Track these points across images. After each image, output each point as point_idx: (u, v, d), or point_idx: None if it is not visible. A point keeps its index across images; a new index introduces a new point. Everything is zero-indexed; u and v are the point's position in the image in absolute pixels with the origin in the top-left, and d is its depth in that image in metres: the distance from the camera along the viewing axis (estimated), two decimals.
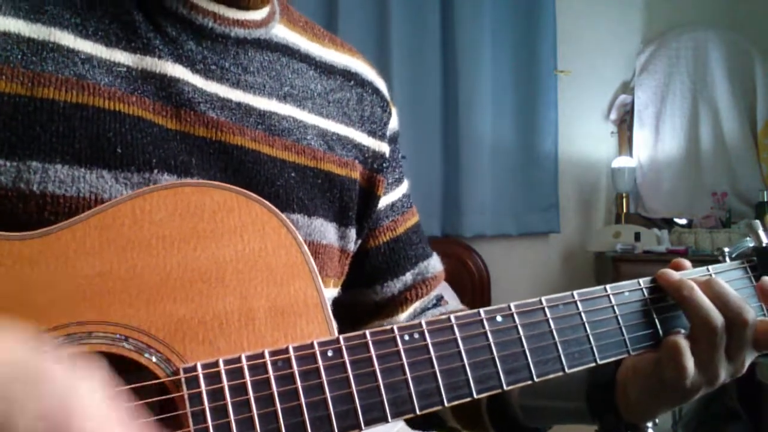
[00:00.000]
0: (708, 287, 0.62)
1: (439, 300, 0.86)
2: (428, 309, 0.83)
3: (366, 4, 2.99)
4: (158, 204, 0.51)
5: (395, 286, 0.78)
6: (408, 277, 0.79)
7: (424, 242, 0.83)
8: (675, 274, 0.64)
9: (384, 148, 0.77)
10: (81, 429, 0.36)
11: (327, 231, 0.69)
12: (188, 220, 0.52)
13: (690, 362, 0.59)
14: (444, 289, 0.88)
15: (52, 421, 0.35)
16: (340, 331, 0.54)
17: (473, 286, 2.96)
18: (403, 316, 0.79)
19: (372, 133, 0.76)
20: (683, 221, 2.92)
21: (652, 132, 3.05)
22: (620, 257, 2.69)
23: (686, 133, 3.02)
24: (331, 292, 0.71)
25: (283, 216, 0.55)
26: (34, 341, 0.38)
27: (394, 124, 0.80)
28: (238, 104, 0.62)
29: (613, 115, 3.08)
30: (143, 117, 0.56)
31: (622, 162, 3.00)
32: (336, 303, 0.73)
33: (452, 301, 0.89)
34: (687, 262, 0.68)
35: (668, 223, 2.95)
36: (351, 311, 0.77)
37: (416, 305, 0.81)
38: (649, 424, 0.66)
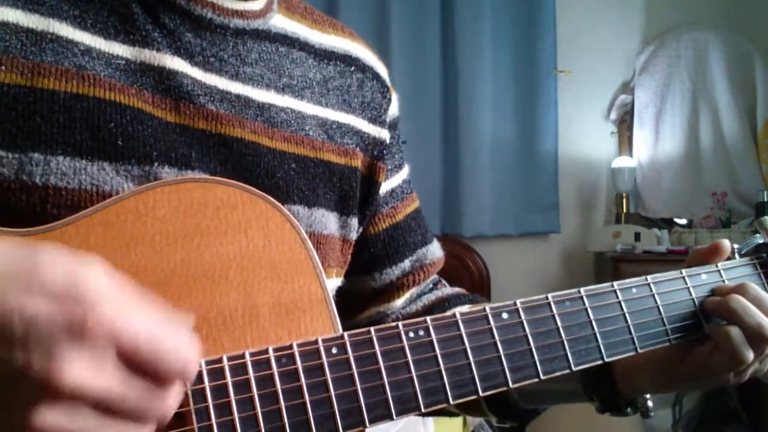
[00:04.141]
0: (745, 294, 0.63)
1: (436, 284, 0.85)
2: (424, 294, 0.82)
3: (366, 4, 2.99)
4: (162, 200, 0.51)
5: (393, 273, 0.78)
6: (406, 263, 0.79)
7: (423, 228, 0.83)
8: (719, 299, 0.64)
9: (384, 134, 0.76)
10: (98, 311, 0.35)
11: (328, 221, 0.68)
12: (192, 216, 0.51)
13: (750, 352, 0.61)
14: None
15: (63, 304, 0.34)
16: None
17: (473, 286, 2.95)
18: (399, 302, 0.79)
19: (372, 120, 0.75)
20: (683, 221, 2.92)
21: (652, 132, 3.04)
22: (620, 257, 2.68)
23: (686, 133, 3.01)
24: (334, 282, 0.71)
25: (286, 211, 0.55)
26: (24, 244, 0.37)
27: (394, 109, 0.80)
28: (237, 96, 0.62)
29: (613, 115, 3.08)
30: (143, 109, 0.56)
31: (622, 162, 2.99)
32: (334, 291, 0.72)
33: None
34: (726, 243, 0.68)
35: (668, 223, 2.94)
36: (348, 298, 0.76)
37: (413, 291, 0.80)
38: (647, 396, 0.66)
